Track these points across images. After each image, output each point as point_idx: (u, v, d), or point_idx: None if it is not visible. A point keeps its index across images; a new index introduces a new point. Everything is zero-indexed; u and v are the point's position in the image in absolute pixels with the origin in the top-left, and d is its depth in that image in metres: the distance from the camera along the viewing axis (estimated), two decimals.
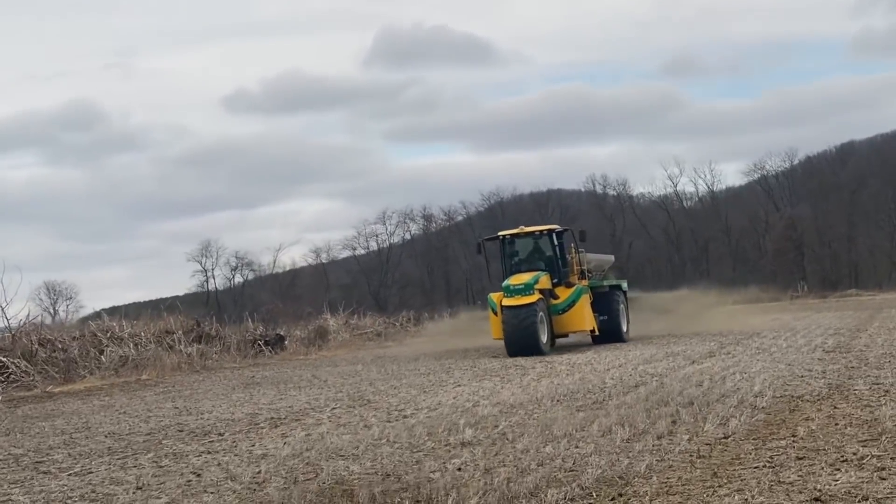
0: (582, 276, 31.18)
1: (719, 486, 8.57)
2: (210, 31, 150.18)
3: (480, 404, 15.89)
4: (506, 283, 29.15)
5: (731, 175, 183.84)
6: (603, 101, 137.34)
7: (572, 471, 9.68)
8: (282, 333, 38.59)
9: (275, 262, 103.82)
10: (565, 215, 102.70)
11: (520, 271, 30.33)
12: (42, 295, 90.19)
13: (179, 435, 14.34)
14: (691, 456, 10.07)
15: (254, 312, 44.20)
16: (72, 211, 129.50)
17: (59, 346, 30.28)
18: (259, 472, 10.53)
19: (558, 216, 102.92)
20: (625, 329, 32.08)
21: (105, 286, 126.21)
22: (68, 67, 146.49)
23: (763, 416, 12.50)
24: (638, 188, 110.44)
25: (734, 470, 9.26)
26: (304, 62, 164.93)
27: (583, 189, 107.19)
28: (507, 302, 28.64)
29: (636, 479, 9.12)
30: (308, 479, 10.14)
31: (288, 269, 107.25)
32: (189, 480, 10.46)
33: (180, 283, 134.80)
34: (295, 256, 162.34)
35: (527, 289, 28.55)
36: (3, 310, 29.61)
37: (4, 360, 27.18)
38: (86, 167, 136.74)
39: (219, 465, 11.25)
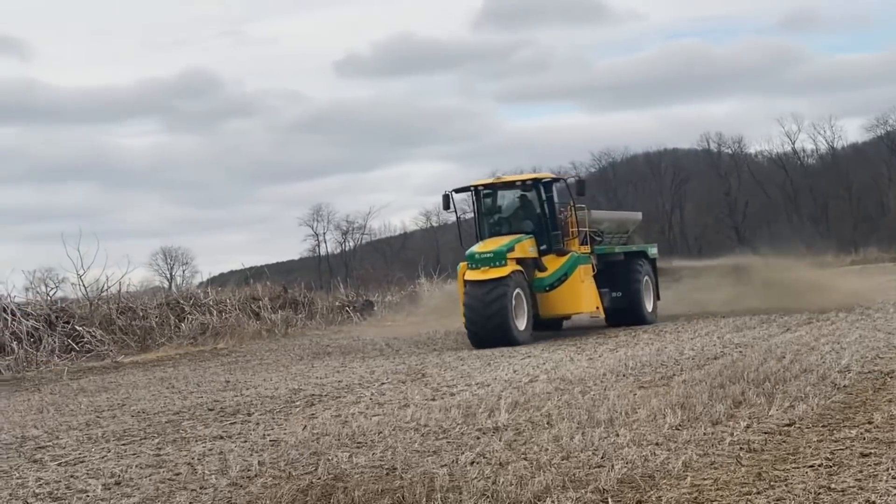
0: (585, 240, 24.48)
1: (758, 493, 7.17)
2: None
3: (539, 379, 14.63)
4: (471, 250, 22.72)
5: (853, 131, 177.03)
6: (719, 58, 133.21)
7: (598, 467, 8.35)
8: (371, 299, 37.69)
9: (365, 227, 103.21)
10: (679, 175, 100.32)
11: (499, 233, 23.78)
12: (159, 260, 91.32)
13: (206, 415, 13.35)
14: (741, 449, 8.67)
15: (347, 277, 43.39)
16: (189, 177, 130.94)
17: (140, 314, 29.80)
18: (255, 465, 9.42)
19: (671, 176, 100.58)
20: (649, 308, 25.65)
21: (221, 251, 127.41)
22: (185, 36, 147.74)
23: (841, 398, 11.01)
24: (754, 146, 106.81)
25: (784, 469, 7.84)
26: (415, 25, 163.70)
27: (698, 148, 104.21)
28: (470, 275, 22.21)
29: (665, 481, 7.77)
30: (305, 473, 9.01)
31: (399, 232, 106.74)
32: (178, 473, 9.41)
33: (293, 247, 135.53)
34: (405, 220, 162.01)
35: (497, 258, 22.08)
36: (80, 278, 29.14)
37: (80, 329, 26.69)
38: (202, 134, 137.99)
39: (220, 454, 10.19)
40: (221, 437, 11.33)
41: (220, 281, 44.14)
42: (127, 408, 14.91)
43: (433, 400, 13.27)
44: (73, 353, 25.67)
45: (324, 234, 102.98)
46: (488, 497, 7.58)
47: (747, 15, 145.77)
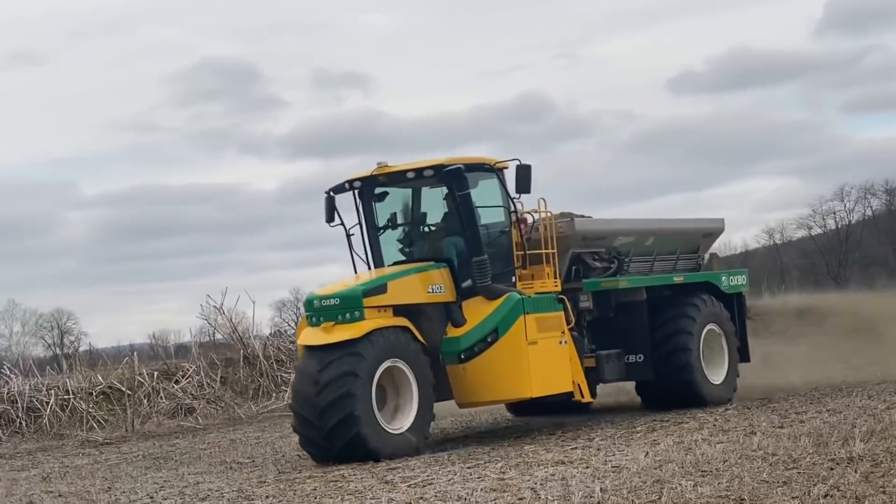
0: (570, 271, 15.52)
1: None
2: (653, 14, 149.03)
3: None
4: (311, 294, 14.00)
5: None
6: None
7: None
8: None
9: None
10: None
11: (412, 259, 14.79)
12: None
13: (548, 440, 13.43)
14: None
15: None
16: None
17: None
18: (597, 492, 9.34)
19: None
20: (717, 378, 16.13)
21: None
22: (519, 61, 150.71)
23: None
24: None
25: None
26: (752, 37, 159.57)
27: None
28: (305, 337, 13.62)
29: None
30: (649, 502, 8.84)
31: (739, 251, 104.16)
32: (521, 498, 9.46)
33: None
34: (746, 237, 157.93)
35: (346, 305, 13.33)
36: None
37: None
38: (537, 156, 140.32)
39: (562, 479, 10.18)
40: (563, 463, 11.33)
41: None
42: (471, 430, 15.24)
43: (781, 427, 12.78)
44: None
45: None
46: None
47: None
